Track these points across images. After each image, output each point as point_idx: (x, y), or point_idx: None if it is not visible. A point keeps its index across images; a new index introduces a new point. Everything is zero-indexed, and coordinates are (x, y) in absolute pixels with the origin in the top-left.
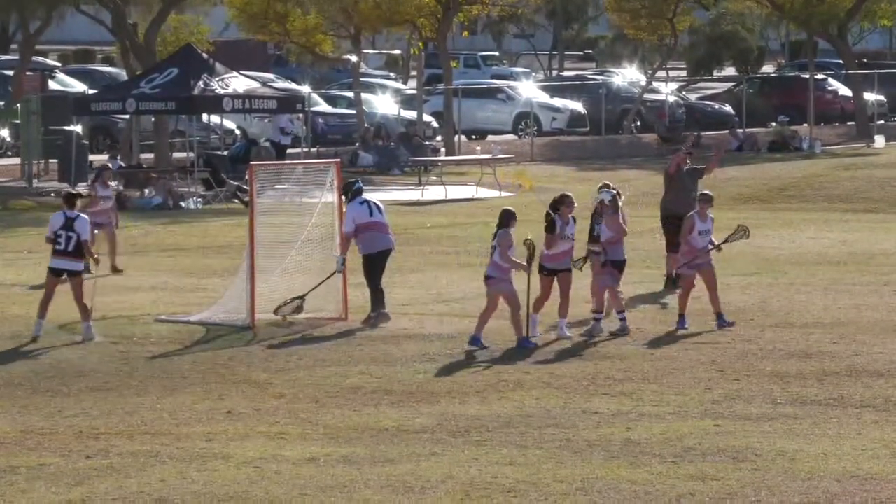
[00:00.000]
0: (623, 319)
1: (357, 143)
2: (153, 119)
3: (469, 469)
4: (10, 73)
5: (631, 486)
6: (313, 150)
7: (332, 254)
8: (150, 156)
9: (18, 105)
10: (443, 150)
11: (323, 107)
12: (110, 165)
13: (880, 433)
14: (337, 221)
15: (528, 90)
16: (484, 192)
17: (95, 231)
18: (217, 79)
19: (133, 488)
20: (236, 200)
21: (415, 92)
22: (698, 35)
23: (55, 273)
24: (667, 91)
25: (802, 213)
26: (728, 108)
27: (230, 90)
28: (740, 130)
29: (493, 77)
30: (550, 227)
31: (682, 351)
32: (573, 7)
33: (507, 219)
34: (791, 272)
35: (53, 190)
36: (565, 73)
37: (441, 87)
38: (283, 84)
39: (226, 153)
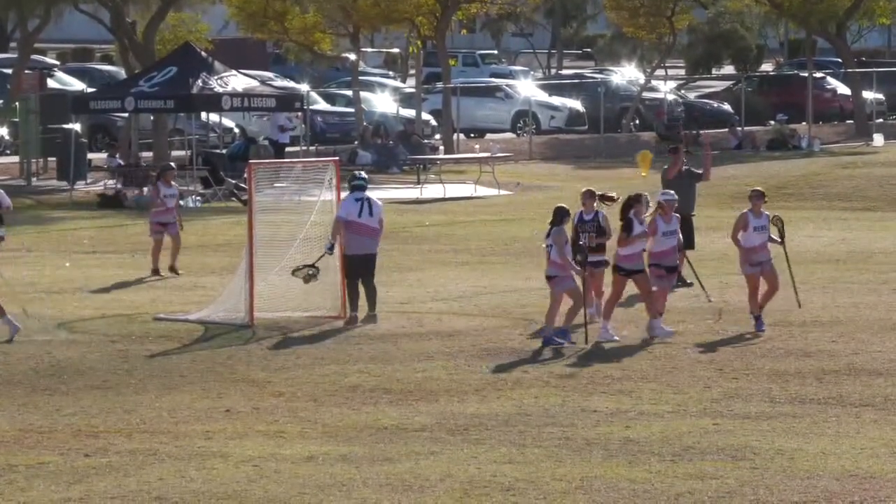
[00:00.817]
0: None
1: (356, 142)
2: (152, 117)
3: (468, 467)
4: (9, 71)
5: (630, 484)
6: (312, 148)
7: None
8: (149, 154)
9: (17, 103)
10: (441, 148)
11: (322, 105)
12: (173, 165)
13: (879, 432)
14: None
15: (527, 89)
16: (482, 191)
17: (160, 232)
18: (216, 77)
19: (132, 487)
20: (234, 199)
21: (413, 90)
22: (697, 33)
23: None
24: (665, 89)
25: (801, 211)
26: (727, 107)
27: (229, 89)
28: (739, 129)
29: (491, 75)
30: (627, 226)
31: (681, 350)
32: (572, 5)
33: (560, 216)
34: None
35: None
36: (564, 72)
37: (440, 85)
38: (281, 82)
39: (224, 152)
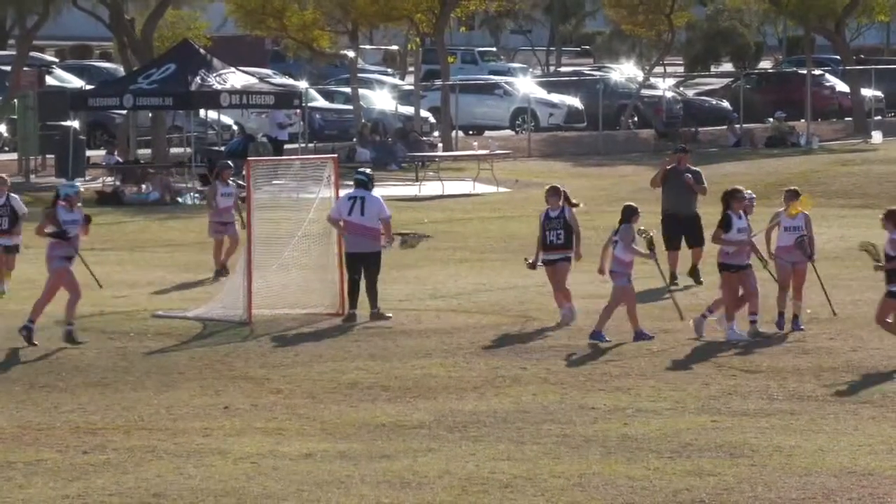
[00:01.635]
0: (753, 322)
1: (354, 139)
2: (150, 114)
3: (466, 464)
4: (8, 68)
5: (628, 481)
6: (310, 145)
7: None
8: (148, 151)
9: (16, 100)
10: (440, 145)
11: (320, 102)
12: (230, 164)
13: (877, 429)
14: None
15: (526, 86)
16: (481, 188)
17: (220, 232)
18: (214, 74)
19: (130, 484)
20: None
21: (412, 88)
22: (695, 31)
23: None
24: (664, 87)
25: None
26: (725, 104)
27: (227, 86)
28: (738, 126)
29: (490, 73)
30: (725, 222)
31: (679, 347)
32: (570, 2)
33: (629, 214)
34: None
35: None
36: (562, 69)
37: (438, 82)
38: (280, 80)
39: (223, 149)
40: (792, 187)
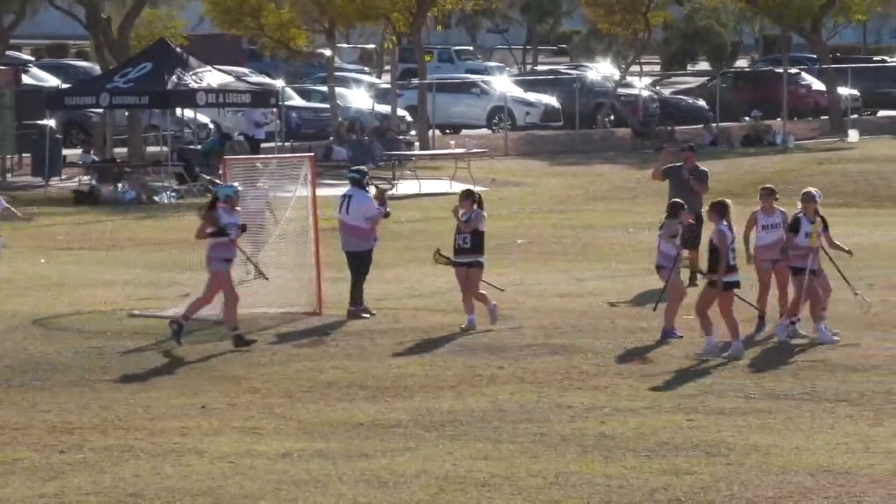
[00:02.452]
0: (793, 323)
1: (331, 138)
2: (127, 113)
3: (443, 463)
4: None
5: (605, 480)
6: (287, 144)
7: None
8: (124, 150)
9: None
10: (417, 144)
11: (297, 101)
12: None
13: (854, 427)
14: (311, 216)
15: (502, 85)
16: (458, 187)
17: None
18: (191, 73)
19: (107, 483)
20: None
21: (389, 86)
22: (672, 30)
23: None
24: (640, 86)
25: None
26: (702, 103)
27: (204, 84)
28: (714, 125)
29: (467, 72)
30: (794, 226)
31: (656, 345)
32: (547, 2)
33: (675, 209)
34: None
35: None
36: (539, 68)
37: (415, 81)
38: (257, 78)
39: (199, 147)
40: (768, 185)
